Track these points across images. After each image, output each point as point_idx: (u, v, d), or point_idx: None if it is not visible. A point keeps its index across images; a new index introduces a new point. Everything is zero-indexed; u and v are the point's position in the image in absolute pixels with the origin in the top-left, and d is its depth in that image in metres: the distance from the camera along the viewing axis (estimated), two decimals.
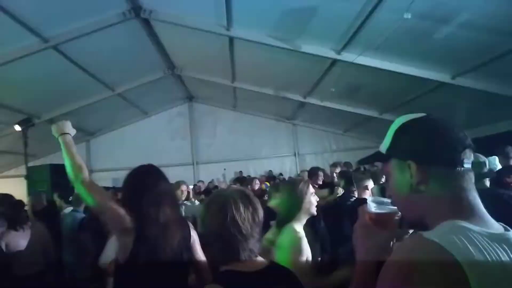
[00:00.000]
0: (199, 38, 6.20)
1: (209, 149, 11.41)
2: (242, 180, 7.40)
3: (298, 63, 6.42)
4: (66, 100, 8.00)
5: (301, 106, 9.31)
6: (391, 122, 0.98)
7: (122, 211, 1.82)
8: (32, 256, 3.43)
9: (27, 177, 7.21)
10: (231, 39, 6.10)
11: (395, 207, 1.02)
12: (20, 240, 3.42)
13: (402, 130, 0.93)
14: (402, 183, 0.90)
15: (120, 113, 10.36)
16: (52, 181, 7.85)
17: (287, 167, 11.29)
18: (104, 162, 10.81)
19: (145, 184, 1.94)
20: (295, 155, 11.56)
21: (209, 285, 1.22)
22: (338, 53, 5.61)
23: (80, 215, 5.05)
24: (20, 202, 3.99)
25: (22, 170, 8.23)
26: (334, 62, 5.97)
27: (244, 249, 1.30)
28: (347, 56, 5.61)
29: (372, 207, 1.07)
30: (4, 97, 6.76)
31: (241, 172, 10.52)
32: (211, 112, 11.60)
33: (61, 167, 6.84)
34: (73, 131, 2.04)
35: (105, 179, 9.20)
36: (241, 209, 1.31)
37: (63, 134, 1.97)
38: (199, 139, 11.62)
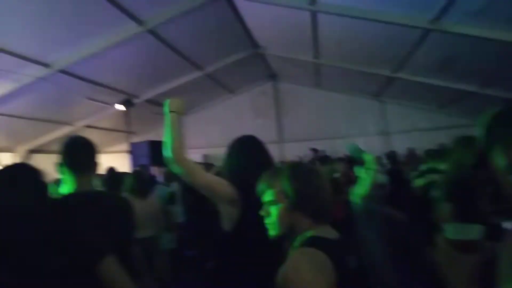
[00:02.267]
0: (282, 14, 6.17)
1: (293, 128, 11.44)
2: (324, 159, 7.26)
3: (386, 35, 6.04)
4: (161, 81, 8.65)
5: (390, 81, 8.80)
6: (494, 97, 0.92)
7: (224, 182, 1.89)
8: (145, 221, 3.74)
9: (129, 152, 8.01)
10: (315, 14, 5.96)
11: None
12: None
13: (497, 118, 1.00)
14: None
15: (209, 93, 10.87)
16: (151, 155, 8.59)
17: (374, 146, 10.85)
18: (194, 139, 11.53)
19: (250, 153, 2.01)
20: (382, 134, 11.04)
21: (306, 249, 1.28)
22: (432, 22, 5.14)
23: (168, 189, 5.51)
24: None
25: (125, 146, 9.19)
26: (427, 32, 5.48)
27: (329, 214, 1.42)
28: (443, 24, 5.11)
29: None
30: (109, 79, 7.55)
31: (323, 151, 10.39)
32: (295, 91, 11.55)
33: (159, 143, 7.42)
34: (183, 111, 2.09)
35: (195, 156, 9.82)
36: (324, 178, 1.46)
37: (173, 112, 2.06)
38: (283, 118, 11.70)
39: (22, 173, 1.63)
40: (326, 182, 1.46)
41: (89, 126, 9.47)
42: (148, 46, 6.60)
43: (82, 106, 8.37)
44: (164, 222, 4.19)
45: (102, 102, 8.24)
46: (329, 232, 1.39)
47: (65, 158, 2.01)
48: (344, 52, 7.56)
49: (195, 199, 5.46)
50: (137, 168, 5.85)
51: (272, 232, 1.45)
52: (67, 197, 1.96)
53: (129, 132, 8.03)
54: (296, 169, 1.45)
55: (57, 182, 2.98)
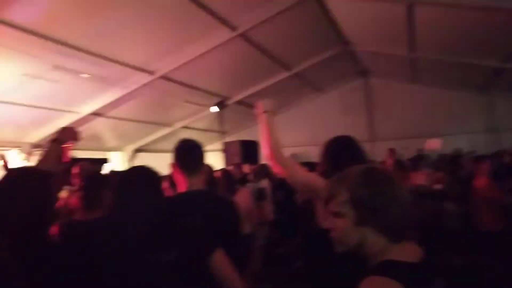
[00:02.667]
0: (374, 9, 5.94)
1: (386, 126, 10.90)
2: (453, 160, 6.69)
3: (490, 22, 5.44)
4: (251, 83, 8.95)
5: (498, 73, 7.90)
6: None
7: (321, 180, 1.89)
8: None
9: (223, 150, 8.43)
10: (410, 5, 5.62)
11: None
12: None
13: None
14: None
15: (297, 92, 10.92)
16: (242, 154, 8.93)
17: (479, 145, 9.82)
18: (283, 138, 11.65)
19: (346, 153, 1.99)
20: (490, 131, 9.93)
21: (376, 279, 1.05)
22: None
23: (258, 185, 5.66)
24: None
25: (219, 145, 9.68)
26: None
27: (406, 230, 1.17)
28: None
29: None
30: (204, 83, 8.04)
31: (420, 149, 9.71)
32: (388, 86, 10.98)
33: (249, 142, 7.66)
34: (275, 111, 2.17)
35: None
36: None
37: (266, 112, 2.14)
38: (375, 115, 11.23)
39: (142, 174, 1.83)
40: (404, 192, 1.18)
41: (186, 127, 10.18)
42: (240, 50, 6.88)
43: (180, 108, 9.05)
44: (256, 219, 4.31)
45: (198, 104, 8.81)
46: (409, 253, 1.13)
47: (178, 159, 2.19)
48: (442, 43, 6.99)
49: (285, 196, 5.56)
50: (228, 167, 6.15)
51: (338, 248, 1.21)
52: (180, 195, 2.13)
53: (222, 132, 8.45)
54: (368, 175, 1.19)
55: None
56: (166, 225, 1.68)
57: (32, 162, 7.51)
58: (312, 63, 8.74)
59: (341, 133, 2.20)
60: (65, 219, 2.23)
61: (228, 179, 4.26)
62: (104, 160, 9.81)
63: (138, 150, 10.78)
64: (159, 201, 1.79)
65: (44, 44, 4.97)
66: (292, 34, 7.06)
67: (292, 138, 10.90)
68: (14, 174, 1.74)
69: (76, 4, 4.64)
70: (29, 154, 7.67)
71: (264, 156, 2.02)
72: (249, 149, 9.04)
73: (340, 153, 2.03)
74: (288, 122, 11.72)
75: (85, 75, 6.06)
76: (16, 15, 4.32)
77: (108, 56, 5.88)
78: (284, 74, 8.91)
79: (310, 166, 3.81)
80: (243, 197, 4.10)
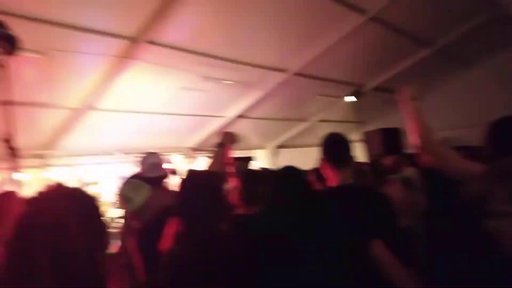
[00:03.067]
0: None
1: None
2: None
3: None
4: (388, 66, 8.44)
5: None
6: None
7: (479, 168, 1.78)
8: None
9: (362, 141, 8.20)
10: None
11: None
12: None
13: None
14: None
15: (441, 71, 9.84)
16: (384, 144, 8.51)
17: None
18: (431, 123, 10.65)
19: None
20: None
21: None
22: None
23: (405, 175, 5.25)
24: None
25: (357, 136, 9.42)
26: None
27: None
28: None
29: None
30: (336, 73, 7.95)
31: None
32: None
33: (392, 130, 7.26)
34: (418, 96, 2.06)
35: None
36: None
37: (409, 98, 2.05)
38: None
39: (291, 173, 1.95)
40: None
41: (323, 120, 10.21)
42: (371, 34, 6.56)
43: (314, 102, 9.13)
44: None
45: (332, 96, 8.75)
46: None
47: (326, 153, 2.24)
48: None
49: (440, 187, 5.06)
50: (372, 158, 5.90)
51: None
52: (334, 189, 2.18)
53: (360, 122, 8.21)
54: None
55: None
56: (323, 217, 1.74)
57: (194, 164, 8.64)
58: (456, 35, 7.74)
59: (500, 112, 1.92)
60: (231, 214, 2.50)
61: (375, 171, 4.10)
62: (251, 158, 10.60)
63: (279, 147, 11.29)
64: (312, 195, 1.87)
65: (193, 58, 5.66)
66: (430, 5, 6.39)
67: (441, 121, 9.84)
68: (192, 177, 2.04)
69: (214, 18, 5.15)
70: (191, 157, 8.83)
71: (413, 144, 1.90)
72: (392, 138, 8.56)
73: (509, 135, 1.77)
74: (435, 105, 10.59)
75: (228, 82, 6.65)
76: (168, 36, 5.03)
77: (245, 61, 6.35)
78: (424, 52, 8.12)
79: (467, 150, 3.38)
80: (394, 189, 3.90)
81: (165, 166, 2.47)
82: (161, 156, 2.53)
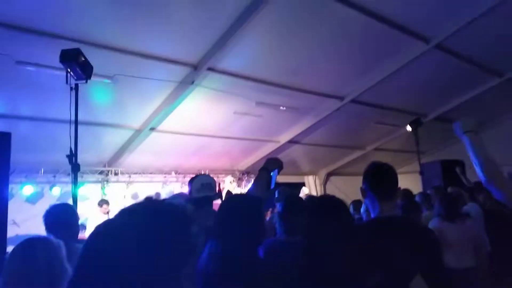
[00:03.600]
0: None
1: None
2: None
3: None
4: (451, 96, 8.03)
5: None
6: None
7: None
8: (463, 250, 3.43)
9: (421, 173, 7.76)
10: None
11: None
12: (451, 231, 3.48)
13: None
14: None
15: (505, 102, 9.18)
16: (444, 176, 8.03)
17: None
18: (496, 156, 9.86)
19: None
20: None
21: None
22: None
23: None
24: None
25: (415, 166, 8.96)
26: None
27: None
28: None
29: None
30: (395, 101, 7.68)
31: None
32: None
33: (451, 163, 6.78)
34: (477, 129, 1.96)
35: None
36: None
37: (468, 132, 1.93)
38: None
39: (335, 204, 1.87)
40: None
41: (378, 149, 9.87)
42: (435, 62, 6.30)
43: (371, 130, 8.86)
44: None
45: (390, 124, 8.45)
46: None
47: (369, 183, 2.14)
48: None
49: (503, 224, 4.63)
50: (436, 189, 5.50)
51: None
52: (374, 220, 2.07)
53: (419, 152, 7.80)
54: None
55: None
56: (367, 248, 1.65)
57: (241, 187, 8.68)
58: None
59: None
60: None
61: (446, 203, 3.84)
62: (301, 184, 10.44)
63: (331, 174, 11.04)
64: (354, 225, 1.78)
65: (249, 84, 5.75)
66: (500, 36, 6.02)
67: (506, 156, 9.14)
68: (231, 200, 2.04)
69: (273, 46, 5.22)
70: (240, 179, 8.89)
71: (482, 180, 1.77)
72: (452, 170, 8.05)
73: None
74: (503, 137, 9.94)
75: (282, 108, 6.67)
76: (227, 63, 5.18)
77: (301, 88, 6.35)
78: (492, 82, 7.64)
79: None
80: (464, 225, 3.61)
81: (214, 188, 2.47)
82: (212, 179, 2.52)
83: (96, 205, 6.60)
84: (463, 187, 5.82)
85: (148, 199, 0.97)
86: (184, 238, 0.86)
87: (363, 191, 2.13)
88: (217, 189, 2.55)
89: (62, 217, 2.25)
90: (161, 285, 0.79)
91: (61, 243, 1.62)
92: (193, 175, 2.93)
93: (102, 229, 0.83)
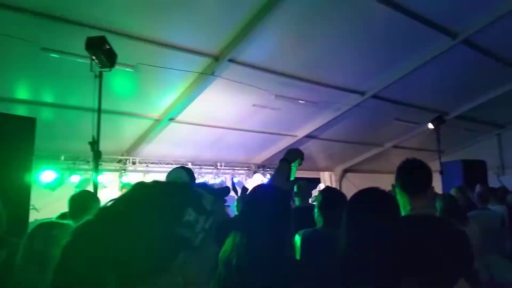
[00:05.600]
0: None
1: None
2: None
3: None
4: (474, 94, 7.82)
5: None
6: None
7: None
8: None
9: (441, 172, 7.61)
10: None
11: None
12: None
13: None
14: None
15: None
16: (465, 176, 7.86)
17: None
18: None
19: None
20: None
21: None
22: None
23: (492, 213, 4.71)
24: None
25: (434, 165, 8.78)
26: None
27: None
28: None
29: None
30: (416, 98, 7.52)
31: None
32: None
33: (473, 163, 6.63)
34: None
35: None
36: None
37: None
38: None
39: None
40: None
41: (397, 147, 9.71)
42: (461, 58, 6.13)
43: (390, 127, 8.71)
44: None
45: (410, 122, 8.29)
46: None
47: (400, 180, 2.09)
48: None
49: None
50: (457, 189, 5.37)
51: None
52: (406, 218, 2.01)
53: (439, 151, 7.64)
54: None
55: None
56: (404, 247, 1.60)
57: (259, 180, 8.65)
58: None
59: None
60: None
61: (452, 205, 3.73)
62: (317, 180, 10.36)
63: (347, 171, 10.92)
64: (394, 223, 1.72)
65: (268, 77, 5.70)
66: None
67: None
68: (257, 190, 2.01)
69: (295, 39, 5.16)
70: (256, 173, 8.86)
71: None
72: (473, 171, 7.87)
73: None
74: None
75: (302, 101, 6.60)
76: (248, 55, 5.13)
77: (321, 81, 6.26)
78: None
79: None
80: (473, 229, 3.52)
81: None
82: (183, 172, 2.48)
83: (118, 191, 6.71)
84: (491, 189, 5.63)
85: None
86: (171, 226, 0.74)
87: (393, 187, 2.08)
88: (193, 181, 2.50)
89: (85, 203, 2.27)
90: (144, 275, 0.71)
91: None
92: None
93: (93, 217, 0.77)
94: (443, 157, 9.76)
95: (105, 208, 0.77)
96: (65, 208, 2.48)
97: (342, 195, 2.68)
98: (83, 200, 2.28)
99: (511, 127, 10.18)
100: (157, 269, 0.72)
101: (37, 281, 1.41)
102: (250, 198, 1.90)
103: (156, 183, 0.82)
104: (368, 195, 1.82)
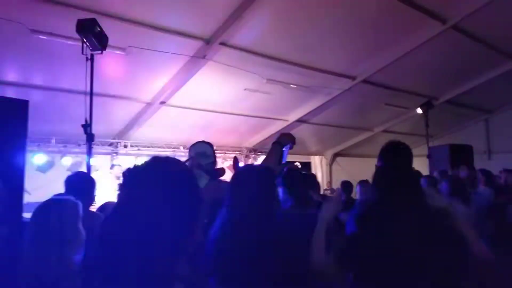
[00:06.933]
0: None
1: None
2: None
3: None
4: (463, 79, 7.93)
5: None
6: None
7: None
8: None
9: (428, 156, 7.76)
10: None
11: None
12: None
13: None
14: None
15: None
16: (451, 160, 8.02)
17: None
18: (506, 142, 9.84)
19: None
20: None
21: None
22: None
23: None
24: None
25: (422, 150, 8.95)
26: None
27: None
28: None
29: None
30: (407, 83, 7.60)
31: None
32: None
33: (460, 147, 6.73)
34: None
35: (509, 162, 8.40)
36: None
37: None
38: None
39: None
40: None
41: (386, 131, 9.83)
42: (451, 43, 6.19)
43: (380, 112, 8.81)
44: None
45: (400, 106, 8.39)
46: None
47: (384, 161, 2.17)
48: None
49: None
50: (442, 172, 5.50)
51: None
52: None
53: (428, 136, 7.76)
54: None
55: None
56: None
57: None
58: None
59: None
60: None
61: (459, 185, 3.85)
62: (307, 164, 10.49)
63: (337, 155, 11.05)
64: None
65: (261, 60, 5.71)
66: None
67: None
68: (245, 169, 2.07)
69: (286, 23, 5.15)
70: (247, 157, 8.94)
71: None
72: (460, 155, 8.03)
73: None
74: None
75: (293, 86, 6.63)
76: (240, 38, 5.12)
77: (312, 66, 6.28)
78: (508, 66, 7.51)
79: None
80: (471, 210, 3.63)
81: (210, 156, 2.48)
82: (207, 146, 2.52)
83: (108, 171, 6.73)
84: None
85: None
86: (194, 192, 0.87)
87: (377, 168, 2.15)
88: (214, 157, 2.55)
89: (81, 183, 2.31)
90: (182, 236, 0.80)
91: (79, 203, 1.67)
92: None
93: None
94: (432, 141, 9.92)
95: None
96: (56, 191, 2.51)
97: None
98: (80, 181, 2.32)
99: (498, 113, 10.35)
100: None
101: (51, 257, 1.46)
102: (237, 176, 1.96)
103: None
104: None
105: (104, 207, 2.89)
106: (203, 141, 2.65)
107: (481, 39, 6.30)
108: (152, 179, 0.82)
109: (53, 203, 1.65)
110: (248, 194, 1.79)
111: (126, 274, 0.75)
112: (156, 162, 0.88)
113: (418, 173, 4.50)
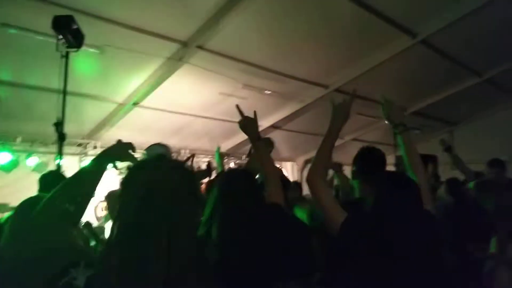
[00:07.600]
0: None
1: None
2: None
3: None
4: (430, 92, 8.27)
5: None
6: None
7: None
8: None
9: (396, 165, 8.00)
10: None
11: None
12: None
13: None
14: None
15: (488, 100, 9.54)
16: None
17: None
18: (468, 153, 10.27)
19: None
20: None
21: None
22: None
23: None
24: None
25: (390, 159, 9.20)
26: None
27: None
28: None
29: None
30: (376, 93, 7.79)
31: None
32: None
33: (425, 157, 6.82)
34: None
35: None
36: None
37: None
38: None
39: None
40: None
41: (356, 139, 10.08)
42: (419, 57, 6.46)
43: (351, 121, 8.91)
44: None
45: (370, 116, 8.64)
46: None
47: (355, 165, 2.27)
48: None
49: None
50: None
51: None
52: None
53: (395, 145, 8.04)
54: None
55: None
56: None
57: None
58: (509, 68, 7.50)
59: None
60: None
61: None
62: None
63: (308, 161, 11.19)
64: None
65: (236, 66, 5.75)
66: (483, 36, 6.22)
67: (482, 153, 9.51)
68: (231, 173, 2.11)
69: (264, 30, 5.22)
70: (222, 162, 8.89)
71: None
72: (426, 164, 8.34)
73: None
74: (478, 135, 10.27)
75: (267, 92, 6.70)
76: (217, 43, 5.14)
77: (287, 73, 6.39)
78: (472, 81, 7.91)
79: None
80: None
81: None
82: (164, 148, 2.53)
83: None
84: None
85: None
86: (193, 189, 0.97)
87: (354, 173, 2.23)
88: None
89: (56, 182, 2.25)
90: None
91: None
92: (175, 153, 2.94)
93: None
94: (399, 151, 10.24)
95: None
96: (20, 191, 2.44)
97: None
98: (55, 179, 2.26)
99: (462, 125, 10.83)
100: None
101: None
102: (220, 180, 2.01)
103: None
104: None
105: (109, 196, 3.17)
106: (159, 144, 2.66)
107: (449, 55, 6.61)
108: None
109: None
110: (239, 197, 1.83)
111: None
112: None
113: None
